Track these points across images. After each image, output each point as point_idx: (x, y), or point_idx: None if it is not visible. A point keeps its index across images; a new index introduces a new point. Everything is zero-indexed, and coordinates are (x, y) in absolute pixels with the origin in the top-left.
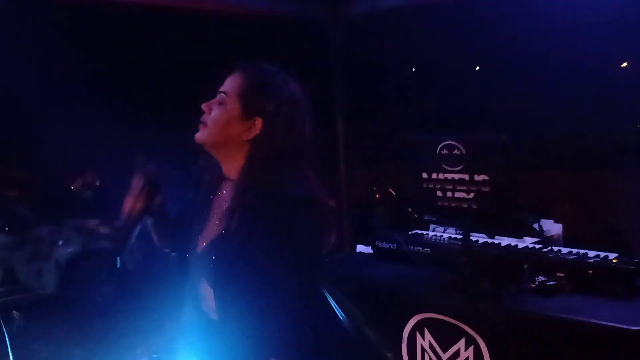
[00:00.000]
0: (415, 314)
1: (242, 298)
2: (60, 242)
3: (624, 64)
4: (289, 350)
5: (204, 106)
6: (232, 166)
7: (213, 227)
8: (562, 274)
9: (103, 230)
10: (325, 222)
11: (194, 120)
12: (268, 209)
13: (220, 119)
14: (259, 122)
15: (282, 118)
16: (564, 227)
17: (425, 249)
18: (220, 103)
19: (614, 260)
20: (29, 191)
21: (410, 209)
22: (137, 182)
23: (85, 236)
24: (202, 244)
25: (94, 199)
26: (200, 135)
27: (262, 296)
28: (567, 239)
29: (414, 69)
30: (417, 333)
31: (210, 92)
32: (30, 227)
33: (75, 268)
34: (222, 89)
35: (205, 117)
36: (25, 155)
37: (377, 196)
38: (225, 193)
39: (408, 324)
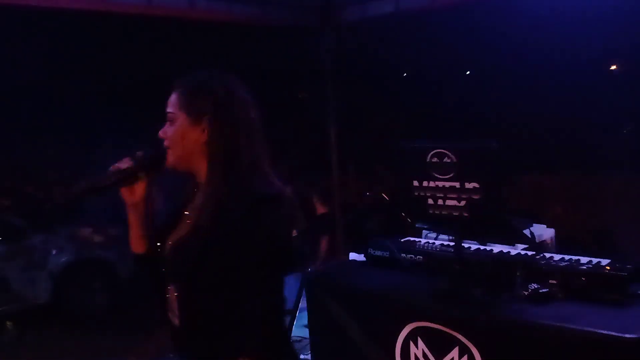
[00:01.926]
0: (409, 323)
1: (205, 295)
2: (54, 252)
3: (613, 67)
4: (258, 346)
5: (160, 134)
6: (202, 173)
7: (182, 229)
8: (555, 281)
9: (97, 238)
10: (289, 217)
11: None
12: (233, 206)
13: (175, 135)
14: (206, 122)
15: (226, 111)
16: (556, 232)
17: (418, 257)
18: (171, 122)
19: (607, 267)
20: (21, 200)
21: (403, 214)
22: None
23: (78, 245)
24: (169, 245)
25: (86, 207)
26: (169, 159)
27: (226, 292)
28: (560, 244)
29: (405, 74)
30: (411, 342)
31: None
32: (24, 236)
33: (69, 277)
34: (167, 110)
35: (166, 142)
36: (18, 165)
37: (370, 202)
38: (199, 198)
39: (401, 332)
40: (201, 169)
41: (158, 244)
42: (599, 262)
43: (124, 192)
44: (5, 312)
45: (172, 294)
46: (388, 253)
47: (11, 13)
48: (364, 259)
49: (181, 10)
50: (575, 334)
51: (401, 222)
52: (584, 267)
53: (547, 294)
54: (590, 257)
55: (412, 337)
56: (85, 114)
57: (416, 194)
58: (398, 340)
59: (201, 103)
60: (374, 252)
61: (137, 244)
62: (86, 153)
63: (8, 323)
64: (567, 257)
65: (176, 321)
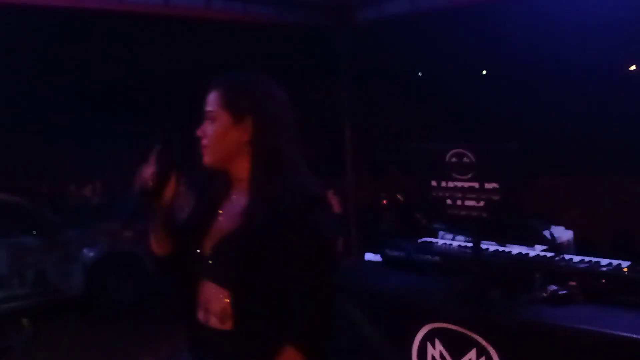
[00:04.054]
0: (426, 324)
1: (257, 298)
2: (87, 245)
3: (632, 67)
4: (309, 343)
5: (199, 132)
6: (241, 172)
7: (221, 228)
8: (574, 283)
9: (126, 233)
10: (334, 218)
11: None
12: (286, 206)
13: (216, 134)
14: (249, 121)
15: (268, 110)
16: (575, 234)
17: (435, 257)
18: (211, 121)
19: (626, 269)
20: (56, 197)
21: (419, 215)
22: (153, 165)
23: (110, 239)
24: (209, 244)
25: (116, 203)
26: (206, 159)
27: (278, 294)
28: (579, 246)
29: (420, 74)
30: (428, 343)
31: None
32: (59, 230)
33: (101, 270)
34: (207, 108)
35: (204, 140)
36: (34, 166)
37: (385, 202)
38: (236, 197)
39: (418, 333)
40: (241, 168)
41: (188, 244)
42: (619, 264)
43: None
44: (26, 305)
45: (210, 292)
46: (404, 253)
47: (25, 12)
48: (379, 259)
49: (197, 10)
50: (595, 336)
51: (416, 223)
52: (604, 269)
53: (567, 296)
54: (609, 259)
55: (429, 338)
56: (98, 115)
57: (434, 194)
58: (415, 341)
59: (243, 102)
60: (390, 253)
61: (160, 246)
62: (99, 154)
63: (24, 320)
64: (586, 259)
65: (213, 321)
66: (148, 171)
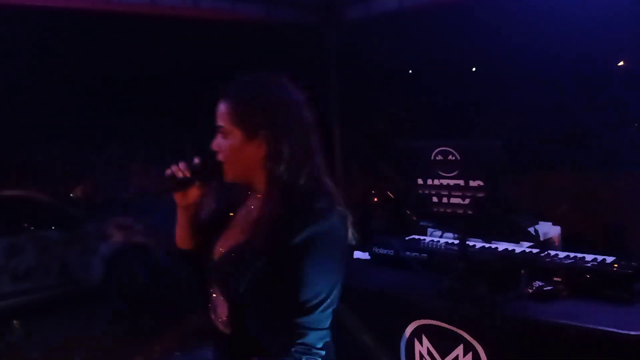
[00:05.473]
0: (413, 321)
1: (257, 312)
2: (104, 238)
3: (621, 63)
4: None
5: (213, 147)
6: (258, 185)
7: (233, 236)
8: (560, 279)
9: (138, 227)
10: (347, 235)
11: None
12: (292, 231)
13: (230, 152)
14: (263, 137)
15: (281, 120)
16: (562, 230)
17: (423, 255)
18: (224, 136)
19: (612, 265)
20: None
21: (409, 211)
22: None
23: (124, 232)
24: (219, 250)
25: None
26: (226, 175)
27: (280, 312)
28: (566, 241)
29: (409, 72)
30: (415, 340)
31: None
32: (78, 224)
33: (117, 262)
34: (218, 122)
35: (220, 156)
36: (25, 165)
37: (376, 200)
38: (252, 207)
39: (406, 330)
40: (259, 181)
41: (203, 241)
42: (604, 259)
43: (177, 196)
44: (51, 296)
45: (217, 297)
46: (392, 251)
47: (16, 13)
48: (368, 257)
49: (185, 9)
50: (580, 331)
51: (406, 220)
52: (589, 265)
53: (552, 292)
54: (596, 254)
55: (416, 334)
56: (90, 114)
57: (420, 192)
58: (403, 338)
59: (255, 117)
60: (378, 251)
61: (183, 242)
62: (91, 153)
63: (15, 322)
64: (572, 254)
65: (220, 325)
66: (183, 164)
